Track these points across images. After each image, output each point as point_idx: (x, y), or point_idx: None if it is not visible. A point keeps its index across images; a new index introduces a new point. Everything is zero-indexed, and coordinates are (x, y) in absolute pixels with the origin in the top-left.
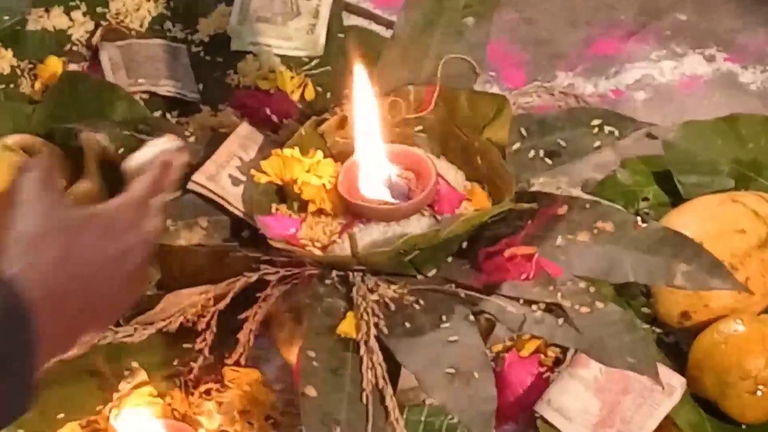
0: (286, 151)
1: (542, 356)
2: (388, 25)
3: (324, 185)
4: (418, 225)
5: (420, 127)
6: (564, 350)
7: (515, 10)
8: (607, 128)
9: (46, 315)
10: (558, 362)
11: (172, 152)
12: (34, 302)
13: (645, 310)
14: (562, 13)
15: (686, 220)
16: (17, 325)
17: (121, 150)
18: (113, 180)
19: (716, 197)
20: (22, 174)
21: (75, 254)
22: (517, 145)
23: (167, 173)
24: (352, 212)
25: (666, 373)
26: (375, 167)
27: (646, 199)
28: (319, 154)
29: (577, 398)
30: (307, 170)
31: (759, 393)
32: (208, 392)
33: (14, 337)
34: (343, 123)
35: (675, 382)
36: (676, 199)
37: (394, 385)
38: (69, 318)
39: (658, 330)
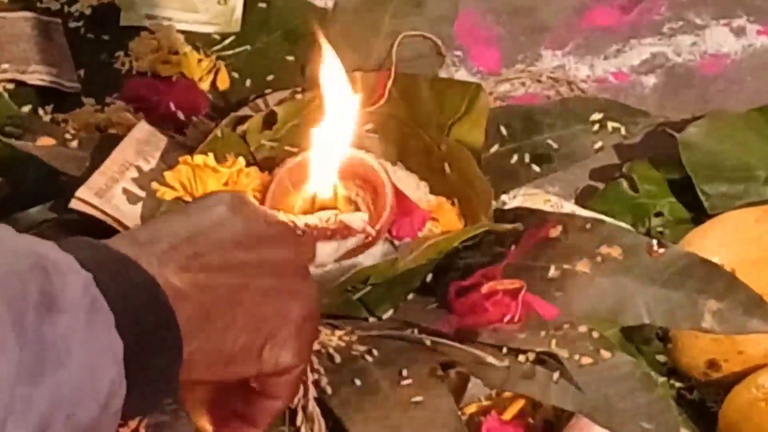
0: (198, 159)
1: (530, 420)
2: None
3: None
4: (369, 254)
5: (370, 126)
6: (558, 413)
7: None
8: (610, 124)
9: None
10: (550, 427)
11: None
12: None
13: (661, 358)
14: None
15: (713, 242)
16: (164, 312)
17: None
18: None
19: (751, 212)
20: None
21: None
22: (495, 148)
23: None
24: None
25: None
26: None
27: (659, 214)
28: (241, 161)
29: None
30: (224, 183)
31: None
32: None
33: (161, 327)
34: (271, 121)
35: None
36: (699, 214)
37: None
38: (216, 327)
39: (678, 384)
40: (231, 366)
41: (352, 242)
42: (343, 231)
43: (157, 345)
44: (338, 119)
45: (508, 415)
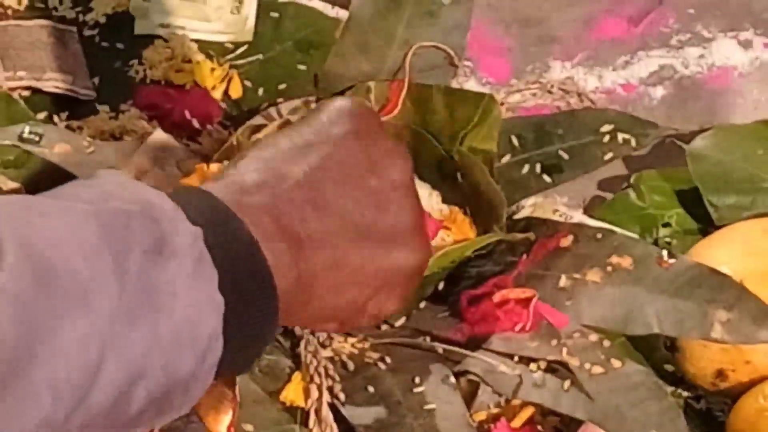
0: (213, 167)
1: (539, 427)
2: (334, 1)
3: None
4: None
5: None
6: (566, 420)
7: None
8: (620, 135)
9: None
10: None
11: None
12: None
13: (669, 367)
14: None
15: (721, 253)
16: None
17: None
18: None
19: (759, 223)
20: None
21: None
22: (506, 158)
23: None
24: None
25: None
26: None
27: (667, 224)
28: None
29: None
30: None
31: None
32: None
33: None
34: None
35: None
36: (707, 225)
37: None
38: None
39: (685, 393)
40: (331, 322)
41: None
42: None
43: (253, 310)
44: None
45: (517, 423)
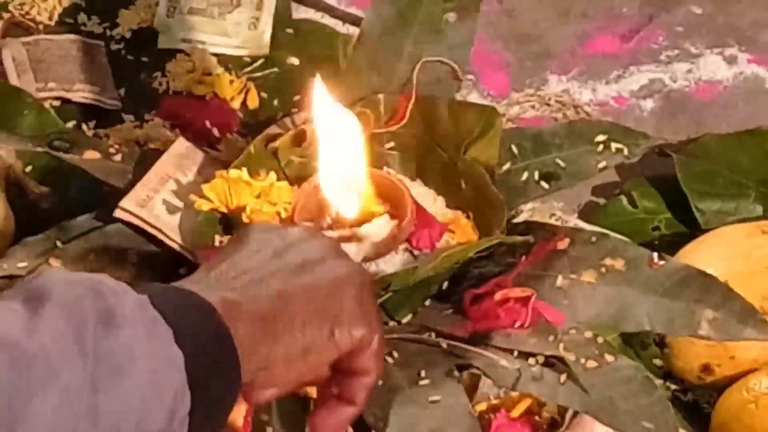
0: (233, 173)
1: (536, 418)
2: (345, 18)
3: (278, 213)
4: (390, 262)
5: (392, 144)
6: (562, 410)
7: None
8: (613, 145)
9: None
10: (555, 425)
11: None
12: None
13: (657, 362)
14: (551, 3)
15: (708, 255)
16: (222, 336)
17: (29, 168)
18: (20, 205)
19: (743, 228)
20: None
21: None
22: (507, 166)
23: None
24: None
25: None
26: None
27: (656, 228)
28: (272, 176)
29: None
30: (257, 195)
31: None
32: None
33: (220, 347)
34: (299, 139)
35: None
36: (694, 229)
37: None
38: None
39: (673, 386)
40: (310, 357)
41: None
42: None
43: (215, 358)
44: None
45: (516, 413)
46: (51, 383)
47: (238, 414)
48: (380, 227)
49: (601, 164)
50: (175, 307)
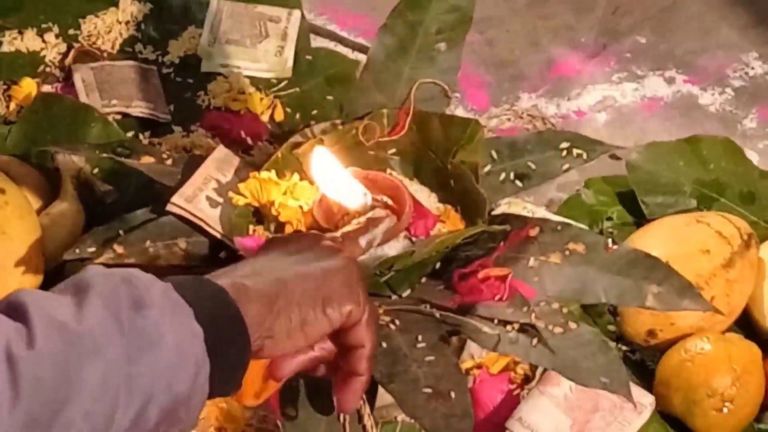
0: (264, 174)
1: (512, 373)
2: (354, 46)
3: (301, 207)
4: (393, 246)
5: (394, 150)
6: (533, 368)
7: (477, 31)
8: (575, 151)
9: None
10: (527, 379)
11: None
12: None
13: (611, 328)
14: (523, 35)
15: (653, 240)
16: (232, 315)
17: (96, 170)
18: (89, 201)
19: (681, 218)
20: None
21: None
22: (488, 168)
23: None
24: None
25: (636, 392)
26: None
27: (610, 218)
28: (296, 176)
29: (548, 416)
30: (284, 193)
31: (725, 410)
32: None
33: (231, 325)
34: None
35: (645, 401)
36: (640, 218)
37: (372, 404)
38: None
39: (624, 348)
40: (307, 328)
41: (382, 228)
42: (372, 223)
43: (228, 331)
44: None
45: (495, 370)
46: (97, 356)
47: (269, 392)
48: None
49: (565, 166)
50: (194, 292)
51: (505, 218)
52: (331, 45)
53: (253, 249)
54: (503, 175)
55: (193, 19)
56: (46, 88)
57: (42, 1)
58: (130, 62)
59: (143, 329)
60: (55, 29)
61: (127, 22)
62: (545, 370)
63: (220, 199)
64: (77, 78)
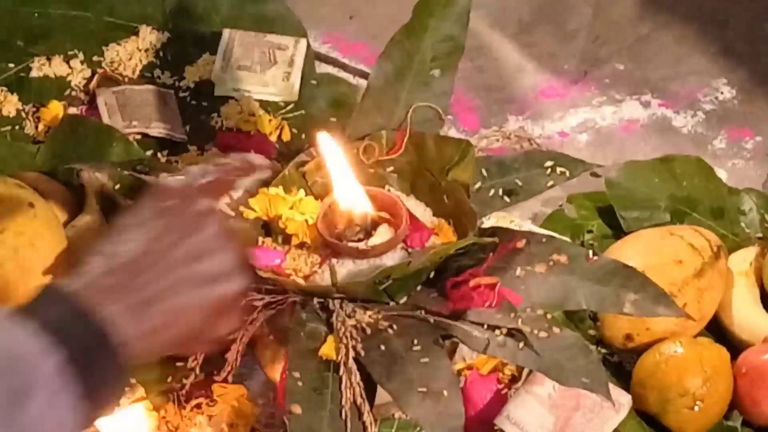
0: (272, 190)
1: (500, 374)
2: (356, 72)
3: (306, 221)
4: (391, 257)
5: (392, 168)
6: (520, 369)
7: (468, 59)
8: (559, 169)
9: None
10: (514, 379)
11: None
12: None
13: (591, 332)
14: (510, 63)
15: (630, 252)
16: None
17: (118, 186)
18: (111, 214)
19: (656, 231)
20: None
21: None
22: (478, 185)
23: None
24: (331, 248)
25: (615, 391)
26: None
27: (590, 231)
28: (302, 192)
29: (533, 413)
30: (290, 207)
31: (696, 408)
32: (198, 406)
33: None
34: (321, 165)
35: (622, 400)
36: (618, 231)
37: (371, 402)
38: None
39: (603, 350)
40: (177, 348)
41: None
42: (246, 169)
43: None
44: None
45: (485, 371)
46: None
47: (277, 371)
48: (383, 233)
49: (549, 183)
50: (67, 335)
51: (494, 231)
52: (334, 71)
53: (261, 259)
54: (492, 191)
55: (207, 47)
56: (72, 111)
57: (68, 30)
58: (150, 86)
59: (23, 426)
60: (81, 56)
61: (146, 50)
62: (531, 371)
63: (232, 213)
64: (100, 101)
